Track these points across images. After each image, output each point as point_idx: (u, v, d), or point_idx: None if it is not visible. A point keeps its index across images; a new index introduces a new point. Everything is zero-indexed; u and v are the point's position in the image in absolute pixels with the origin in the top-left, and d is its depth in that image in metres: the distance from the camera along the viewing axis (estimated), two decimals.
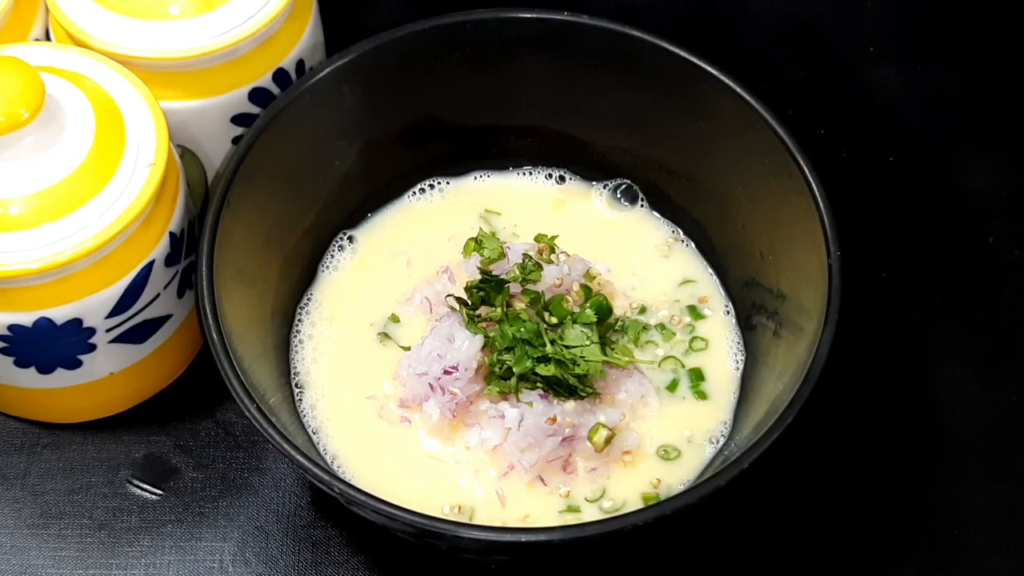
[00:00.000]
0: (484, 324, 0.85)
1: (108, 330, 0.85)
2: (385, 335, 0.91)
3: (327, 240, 0.94)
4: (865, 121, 1.09)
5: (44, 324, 0.82)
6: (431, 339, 0.86)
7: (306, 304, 0.92)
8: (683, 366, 0.89)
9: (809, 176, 0.84)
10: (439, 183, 0.97)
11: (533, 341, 0.84)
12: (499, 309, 0.85)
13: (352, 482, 0.82)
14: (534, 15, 0.91)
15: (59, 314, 0.82)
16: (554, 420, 0.83)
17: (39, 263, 0.79)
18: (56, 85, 0.83)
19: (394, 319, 0.91)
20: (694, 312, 0.92)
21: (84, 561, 0.88)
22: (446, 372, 0.84)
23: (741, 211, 0.90)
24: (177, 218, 0.85)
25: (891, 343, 0.97)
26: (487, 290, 0.86)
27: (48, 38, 0.93)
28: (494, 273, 0.87)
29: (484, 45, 0.91)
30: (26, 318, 0.82)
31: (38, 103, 0.79)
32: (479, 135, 0.96)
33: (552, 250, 0.89)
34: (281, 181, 0.89)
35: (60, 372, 0.87)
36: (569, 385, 0.84)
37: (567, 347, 0.84)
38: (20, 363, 0.85)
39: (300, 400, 0.88)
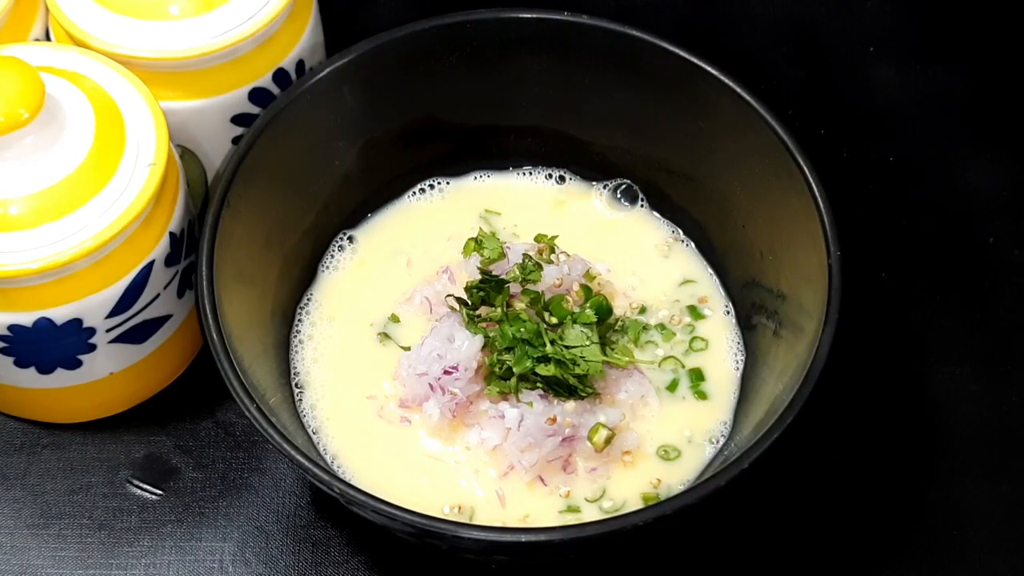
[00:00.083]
0: (484, 324, 0.85)
1: (108, 330, 0.85)
2: (385, 335, 0.91)
3: (327, 240, 0.94)
4: (865, 121, 1.09)
5: (44, 324, 0.82)
6: (431, 339, 0.86)
7: (306, 304, 0.92)
8: (683, 366, 0.89)
9: (809, 176, 0.84)
10: (439, 183, 0.97)
11: (533, 341, 0.84)
12: (499, 309, 0.85)
13: (352, 482, 0.82)
14: (534, 15, 0.91)
15: (59, 314, 0.82)
16: (554, 420, 0.83)
17: (39, 263, 0.79)
18: (56, 85, 0.83)
19: (394, 319, 0.91)
20: (694, 312, 0.92)
21: (84, 561, 0.88)
22: (446, 372, 0.84)
23: (741, 211, 0.90)
24: (177, 218, 0.85)
25: (891, 343, 0.97)
26: (487, 290, 0.86)
27: (48, 38, 0.93)
28: (494, 273, 0.87)
29: (484, 45, 0.91)
30: (26, 318, 0.82)
31: (38, 103, 0.79)
32: (479, 135, 0.96)
33: (552, 250, 0.89)
34: (281, 181, 0.89)
35: (60, 372, 0.87)
36: (569, 385, 0.84)
37: (567, 347, 0.84)
38: (20, 363, 0.85)
39: (300, 400, 0.88)
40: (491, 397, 0.85)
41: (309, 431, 0.87)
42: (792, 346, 0.83)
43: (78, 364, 0.86)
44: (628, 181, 0.96)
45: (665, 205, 0.95)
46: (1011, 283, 1.00)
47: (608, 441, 0.84)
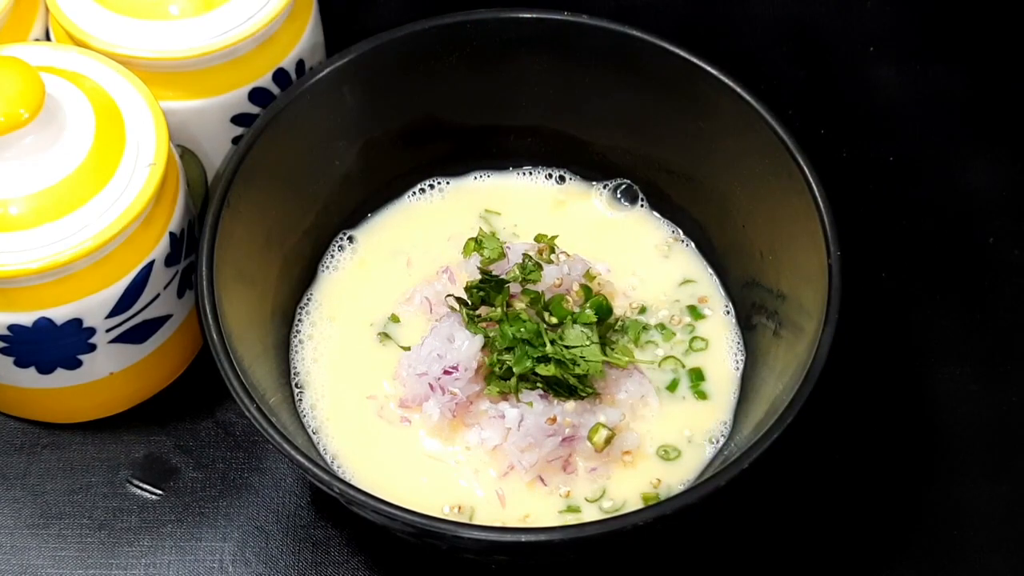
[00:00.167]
0: (484, 324, 0.85)
1: (108, 330, 0.85)
2: (385, 335, 0.91)
3: (327, 240, 0.94)
4: (865, 121, 1.09)
5: (44, 324, 0.82)
6: (431, 339, 0.86)
7: (306, 304, 0.92)
8: (683, 366, 0.89)
9: (809, 176, 0.84)
10: (439, 183, 0.97)
11: (533, 341, 0.84)
12: (499, 309, 0.85)
13: (352, 482, 0.82)
14: (534, 15, 0.91)
15: (59, 314, 0.82)
16: (554, 420, 0.83)
17: (39, 263, 0.79)
18: (56, 85, 0.83)
19: (394, 319, 0.91)
20: (694, 312, 0.92)
21: (84, 561, 0.88)
22: (446, 372, 0.84)
23: (741, 211, 0.90)
24: (177, 218, 0.85)
25: (891, 343, 0.97)
26: (487, 290, 0.86)
27: (48, 38, 0.93)
28: (494, 273, 0.87)
29: (484, 45, 0.91)
30: (26, 318, 0.82)
31: (38, 103, 0.79)
32: (479, 135, 0.96)
33: (552, 250, 0.89)
34: (281, 181, 0.89)
35: (60, 372, 0.87)
36: (569, 385, 0.84)
37: (567, 347, 0.84)
38: (20, 363, 0.85)
39: (300, 400, 0.88)
40: (491, 397, 0.85)
41: (309, 431, 0.87)
42: (792, 346, 0.83)
43: (78, 364, 0.86)
44: (628, 181, 0.96)
45: (665, 205, 0.95)
46: (1011, 283, 1.00)
47: (608, 441, 0.84)
